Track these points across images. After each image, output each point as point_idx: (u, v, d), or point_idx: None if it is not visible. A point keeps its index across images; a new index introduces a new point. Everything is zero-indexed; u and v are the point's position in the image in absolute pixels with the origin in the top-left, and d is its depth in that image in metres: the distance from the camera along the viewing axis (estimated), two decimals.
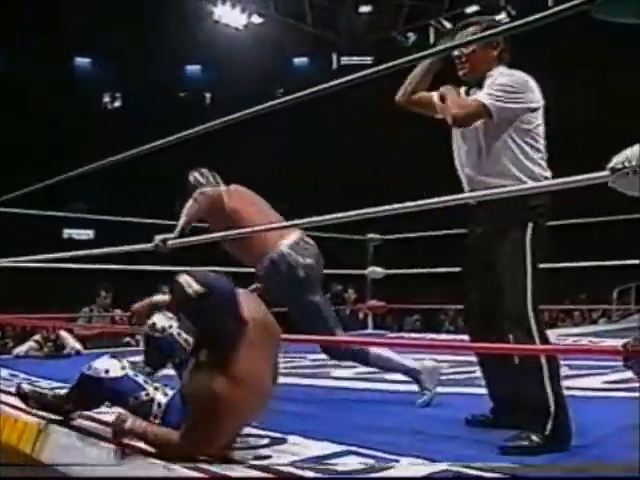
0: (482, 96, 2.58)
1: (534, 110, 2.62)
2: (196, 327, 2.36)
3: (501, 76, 2.62)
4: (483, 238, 2.69)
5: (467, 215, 2.78)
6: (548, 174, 2.62)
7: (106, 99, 24.86)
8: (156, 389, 2.49)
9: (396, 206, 2.54)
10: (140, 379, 2.50)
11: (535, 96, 2.63)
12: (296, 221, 2.97)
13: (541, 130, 2.66)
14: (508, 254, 2.56)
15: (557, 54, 16.66)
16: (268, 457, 2.23)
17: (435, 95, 2.80)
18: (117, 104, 24.88)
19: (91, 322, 7.27)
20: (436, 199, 2.42)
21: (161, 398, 2.46)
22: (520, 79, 2.62)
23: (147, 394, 2.45)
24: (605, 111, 15.93)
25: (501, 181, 2.57)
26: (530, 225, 2.55)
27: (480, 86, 2.67)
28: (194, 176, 3.84)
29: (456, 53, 2.74)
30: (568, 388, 3.38)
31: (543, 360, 2.40)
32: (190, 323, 2.39)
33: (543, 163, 2.64)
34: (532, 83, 2.64)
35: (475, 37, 2.59)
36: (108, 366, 2.50)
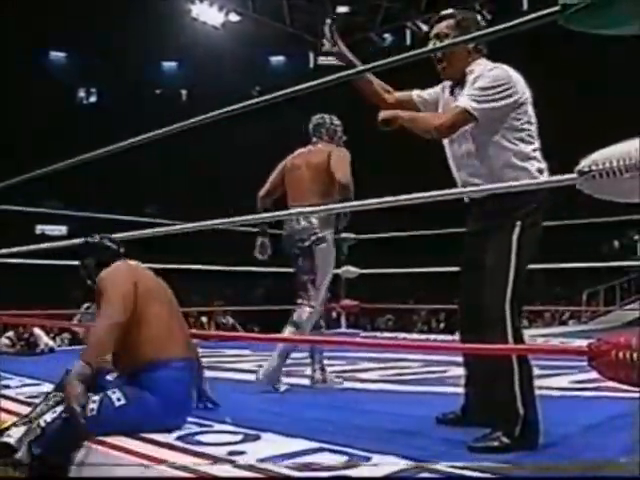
0: (463, 101, 2.53)
1: (520, 105, 2.55)
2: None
3: (481, 77, 2.55)
4: (474, 237, 2.69)
5: (464, 213, 2.79)
6: (542, 165, 2.59)
7: (81, 94, 24.62)
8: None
9: (373, 201, 2.58)
10: None
11: (519, 89, 2.55)
12: (269, 214, 2.98)
13: (532, 122, 2.60)
14: (494, 253, 2.54)
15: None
16: (242, 453, 2.25)
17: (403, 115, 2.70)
18: (92, 99, 24.66)
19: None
20: (421, 194, 2.43)
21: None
22: (500, 76, 2.54)
23: None
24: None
25: (484, 181, 2.56)
26: (518, 224, 2.51)
27: (462, 83, 2.63)
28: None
29: (430, 45, 2.66)
30: (537, 387, 3.46)
31: (515, 362, 2.41)
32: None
33: (537, 155, 2.60)
34: (515, 77, 2.57)
35: (448, 43, 2.60)
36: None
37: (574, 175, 1.88)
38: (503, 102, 2.52)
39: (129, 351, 2.64)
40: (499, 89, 2.51)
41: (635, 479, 1.86)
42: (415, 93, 2.90)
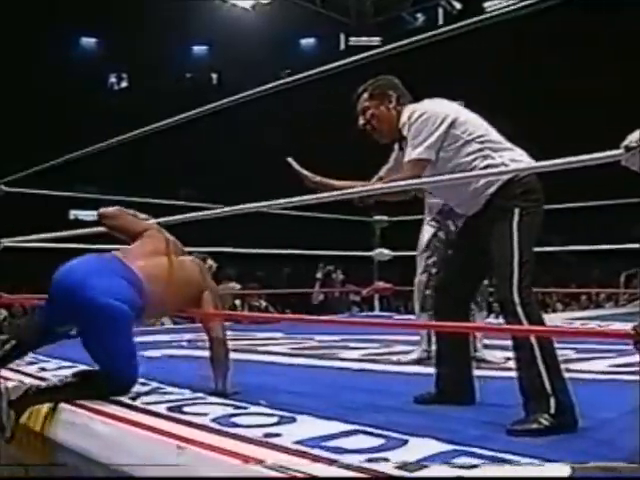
0: (408, 154, 2.71)
1: (452, 124, 2.68)
2: None
3: (409, 127, 2.73)
4: (473, 228, 2.76)
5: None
6: (510, 154, 2.65)
7: (112, 79, 24.78)
8: None
9: (387, 185, 2.59)
10: None
11: (444, 112, 2.71)
12: (296, 198, 2.96)
13: (477, 125, 2.71)
14: (496, 240, 2.59)
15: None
16: (278, 435, 2.24)
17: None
18: (123, 85, 24.80)
19: None
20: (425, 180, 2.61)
21: None
22: (424, 114, 2.70)
23: None
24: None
25: (471, 199, 2.68)
26: (517, 211, 2.57)
27: (402, 140, 2.80)
28: None
29: (361, 122, 2.91)
30: (575, 371, 3.41)
31: (534, 341, 2.41)
32: None
33: (501, 146, 2.67)
34: (434, 105, 2.76)
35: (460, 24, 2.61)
36: None
37: (620, 151, 1.83)
38: (437, 134, 2.66)
39: None
40: (428, 127, 2.67)
41: None
42: (384, 169, 3.06)
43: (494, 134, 2.73)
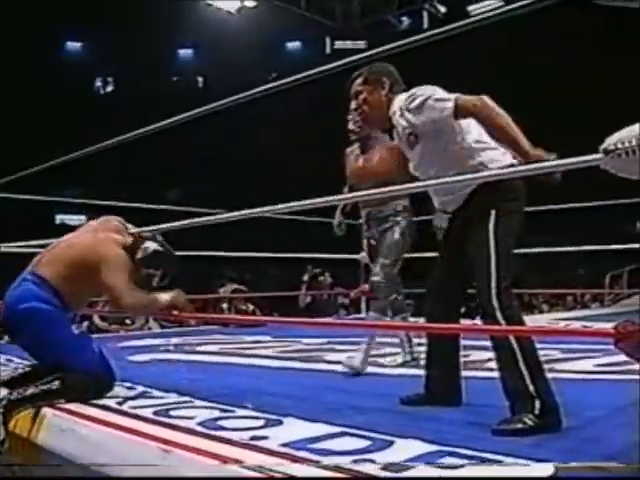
0: (466, 99, 2.57)
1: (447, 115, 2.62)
2: None
3: (414, 97, 2.64)
4: (455, 230, 2.76)
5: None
6: (500, 152, 2.62)
7: (98, 83, 24.68)
8: None
9: (375, 191, 2.60)
10: None
11: (444, 94, 2.63)
12: (280, 205, 2.97)
13: (469, 122, 2.64)
14: (473, 242, 2.59)
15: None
16: (264, 438, 2.25)
17: None
18: (109, 88, 24.72)
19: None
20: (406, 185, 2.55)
21: None
22: (426, 87, 2.65)
23: None
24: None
25: (456, 196, 2.66)
26: (493, 212, 2.55)
27: (390, 130, 2.81)
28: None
29: (353, 105, 2.94)
30: (560, 371, 3.43)
31: (514, 344, 2.41)
32: None
33: (487, 145, 2.63)
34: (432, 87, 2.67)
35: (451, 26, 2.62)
36: None
37: (599, 155, 1.84)
38: (438, 110, 2.59)
39: None
40: (430, 102, 2.59)
41: None
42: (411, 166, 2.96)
43: (481, 130, 2.68)
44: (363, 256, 6.80)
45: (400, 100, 2.76)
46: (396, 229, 3.91)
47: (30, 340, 2.97)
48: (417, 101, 2.63)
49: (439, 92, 2.62)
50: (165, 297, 3.10)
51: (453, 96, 2.58)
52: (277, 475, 1.87)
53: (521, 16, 2.23)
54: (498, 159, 2.62)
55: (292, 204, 2.91)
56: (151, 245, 3.20)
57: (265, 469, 1.90)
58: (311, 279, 9.54)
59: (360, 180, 3.98)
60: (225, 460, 1.99)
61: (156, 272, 3.18)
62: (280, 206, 2.97)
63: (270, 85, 2.95)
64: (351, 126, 4.01)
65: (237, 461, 1.97)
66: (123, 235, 3.18)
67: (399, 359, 4.04)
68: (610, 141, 1.83)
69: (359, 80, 2.94)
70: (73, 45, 24.16)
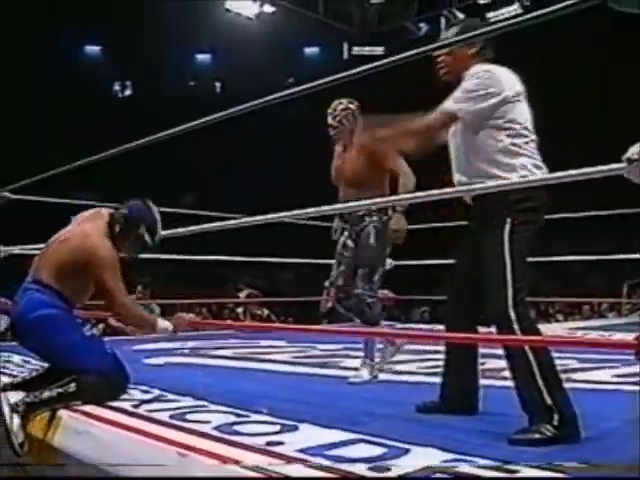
0: (446, 103, 2.64)
1: (506, 102, 2.60)
2: None
3: (469, 79, 2.65)
4: (471, 235, 2.74)
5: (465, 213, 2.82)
6: (533, 161, 2.59)
7: (116, 87, 24.83)
8: None
9: (392, 198, 2.60)
10: None
11: (505, 87, 2.61)
12: (297, 211, 2.98)
13: (519, 120, 2.62)
14: (488, 251, 2.57)
15: None
16: (280, 443, 2.24)
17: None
18: (127, 92, 24.85)
19: None
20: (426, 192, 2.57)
21: None
22: (484, 77, 2.61)
23: None
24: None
25: (475, 182, 2.60)
26: (508, 221, 2.53)
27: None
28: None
29: (435, 53, 2.82)
30: (578, 381, 3.40)
31: (530, 355, 2.39)
32: None
33: (527, 151, 2.60)
34: (503, 76, 2.64)
35: (455, 39, 2.65)
36: None
37: (622, 165, 1.83)
38: (485, 104, 2.60)
39: None
40: (481, 91, 2.60)
41: None
42: None
43: (531, 136, 2.65)
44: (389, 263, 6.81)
45: (478, 67, 2.68)
46: (371, 232, 3.84)
47: (41, 346, 3.01)
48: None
49: (479, 85, 2.60)
50: (165, 324, 3.15)
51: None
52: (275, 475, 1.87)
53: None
54: (528, 168, 2.58)
55: (309, 210, 2.91)
56: (122, 211, 3.21)
57: (264, 469, 1.90)
58: (332, 284, 9.51)
59: (337, 179, 4.00)
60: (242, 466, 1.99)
61: (139, 231, 3.19)
62: (297, 212, 2.98)
63: (289, 91, 2.94)
64: (330, 121, 3.97)
65: (254, 466, 1.97)
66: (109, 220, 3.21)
67: (364, 374, 3.80)
68: (634, 150, 1.82)
69: (454, 30, 2.82)
70: (92, 49, 24.32)
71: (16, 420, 2.69)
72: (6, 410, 2.71)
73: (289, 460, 2.04)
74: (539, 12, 1.87)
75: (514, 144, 2.60)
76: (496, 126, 2.61)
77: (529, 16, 1.83)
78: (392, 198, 2.71)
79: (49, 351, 3.01)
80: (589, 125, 16.22)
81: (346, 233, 3.96)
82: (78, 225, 3.22)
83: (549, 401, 2.38)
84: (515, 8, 17.73)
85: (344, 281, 3.93)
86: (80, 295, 3.14)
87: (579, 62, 16.62)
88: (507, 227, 2.53)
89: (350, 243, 3.93)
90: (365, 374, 3.76)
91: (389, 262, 6.81)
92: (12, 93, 17.76)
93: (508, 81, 2.65)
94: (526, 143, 2.62)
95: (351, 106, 3.92)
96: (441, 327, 3.05)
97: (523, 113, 2.65)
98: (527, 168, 2.57)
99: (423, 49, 2.33)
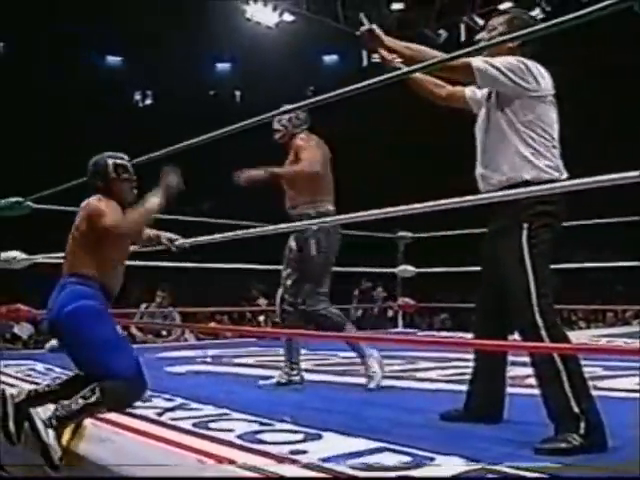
0: (474, 59, 2.52)
1: (534, 98, 2.55)
2: None
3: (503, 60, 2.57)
4: (490, 238, 2.71)
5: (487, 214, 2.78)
6: (555, 164, 2.56)
7: (137, 97, 25.03)
8: None
9: (417, 206, 2.58)
10: None
11: (537, 83, 2.56)
12: (327, 219, 2.99)
13: (546, 120, 2.58)
14: (507, 257, 2.54)
15: None
16: (304, 452, 2.24)
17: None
18: (148, 102, 25.04)
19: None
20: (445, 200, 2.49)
21: None
22: (521, 64, 2.54)
23: None
24: None
25: (495, 176, 2.59)
26: (525, 226, 2.49)
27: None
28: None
29: (480, 35, 2.79)
30: (602, 389, 3.36)
31: (558, 362, 2.36)
32: None
33: (549, 154, 2.56)
34: (539, 71, 2.58)
35: (492, 42, 2.61)
36: None
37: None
38: (513, 84, 2.52)
39: None
40: (515, 73, 2.52)
41: None
42: (469, 89, 2.90)
43: (553, 142, 2.60)
44: (402, 269, 6.81)
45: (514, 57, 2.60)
46: (312, 244, 3.85)
47: (73, 339, 2.91)
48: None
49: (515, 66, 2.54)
50: (155, 197, 3.13)
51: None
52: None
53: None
54: (548, 171, 2.55)
55: (338, 217, 2.92)
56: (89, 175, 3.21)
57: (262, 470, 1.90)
58: (361, 293, 9.48)
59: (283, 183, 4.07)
60: (267, 475, 1.99)
61: (108, 169, 3.16)
62: (317, 221, 2.99)
63: (310, 100, 2.96)
64: (275, 125, 4.00)
65: (280, 477, 1.97)
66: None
67: (274, 379, 3.94)
68: None
69: (500, 19, 2.75)
70: (114, 59, 24.56)
71: (52, 434, 2.68)
72: (40, 426, 2.70)
73: (313, 469, 2.04)
74: (580, 12, 1.84)
75: (540, 143, 2.55)
76: (525, 121, 2.55)
77: (567, 18, 1.81)
78: (417, 206, 2.64)
79: (80, 345, 2.89)
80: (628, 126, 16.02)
81: (292, 236, 3.99)
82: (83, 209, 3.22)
83: (576, 409, 2.35)
84: (537, 13, 17.63)
85: (291, 285, 3.94)
86: (110, 275, 3.01)
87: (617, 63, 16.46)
88: (524, 232, 2.49)
89: (294, 246, 3.97)
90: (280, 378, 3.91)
91: (410, 269, 6.82)
92: (35, 103, 17.97)
93: (544, 80, 2.60)
94: (553, 147, 2.58)
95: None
96: (463, 335, 3.04)
97: (549, 115, 2.61)
98: (544, 170, 2.53)
99: (455, 54, 2.31)
